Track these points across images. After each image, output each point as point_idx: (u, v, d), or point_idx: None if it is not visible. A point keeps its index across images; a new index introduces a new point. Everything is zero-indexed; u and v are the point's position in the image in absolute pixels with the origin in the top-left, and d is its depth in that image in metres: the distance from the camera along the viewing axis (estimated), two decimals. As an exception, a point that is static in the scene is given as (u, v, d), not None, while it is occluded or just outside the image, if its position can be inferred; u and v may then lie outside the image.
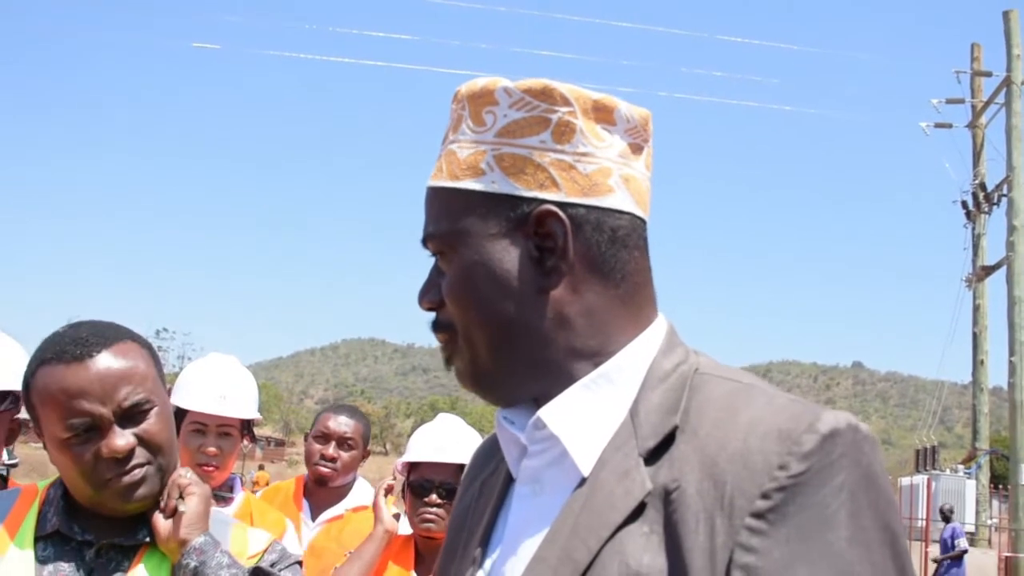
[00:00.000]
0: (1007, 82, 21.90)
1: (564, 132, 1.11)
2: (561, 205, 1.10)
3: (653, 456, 1.03)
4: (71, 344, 1.70)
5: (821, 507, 0.92)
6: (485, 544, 1.17)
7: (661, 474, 1.02)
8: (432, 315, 1.19)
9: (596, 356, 1.11)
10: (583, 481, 1.06)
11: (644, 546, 0.98)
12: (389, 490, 3.27)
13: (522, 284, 1.10)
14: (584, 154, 1.12)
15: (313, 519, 3.71)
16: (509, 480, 1.20)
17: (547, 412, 1.09)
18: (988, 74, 24.23)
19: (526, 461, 1.15)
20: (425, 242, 1.17)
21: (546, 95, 1.11)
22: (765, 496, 0.93)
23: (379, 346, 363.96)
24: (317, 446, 3.73)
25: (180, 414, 3.24)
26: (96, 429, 1.67)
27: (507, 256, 1.11)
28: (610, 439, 1.07)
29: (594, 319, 1.12)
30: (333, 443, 3.71)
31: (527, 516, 1.12)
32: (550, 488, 1.11)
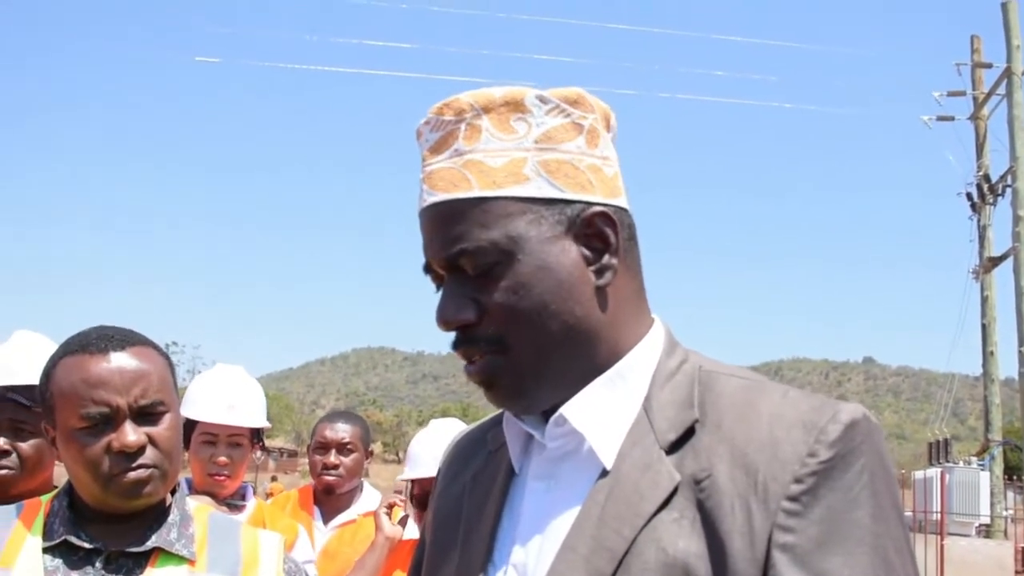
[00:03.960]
0: (1008, 73, 21.86)
1: (592, 138, 1.17)
2: (603, 206, 1.15)
3: (673, 448, 1.09)
4: (96, 339, 1.76)
5: (847, 489, 1.01)
6: (492, 538, 1.19)
7: (687, 464, 1.08)
8: (454, 334, 1.17)
9: (615, 354, 1.16)
10: (603, 474, 1.11)
11: (677, 532, 1.04)
12: (391, 507, 3.35)
13: (584, 284, 1.13)
14: (605, 158, 1.18)
15: (325, 524, 3.75)
16: (509, 475, 1.23)
17: (569, 409, 1.14)
18: (988, 65, 24.18)
19: (540, 457, 1.19)
20: (457, 257, 1.13)
21: (580, 103, 1.17)
22: (798, 481, 1.01)
23: (389, 355, 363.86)
24: (318, 457, 3.76)
25: (190, 426, 3.28)
26: (110, 422, 1.70)
27: (566, 258, 1.13)
28: (627, 434, 1.12)
29: (625, 315, 1.18)
30: (333, 451, 3.73)
31: (543, 509, 1.15)
32: (566, 483, 1.15)
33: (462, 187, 1.13)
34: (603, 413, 1.14)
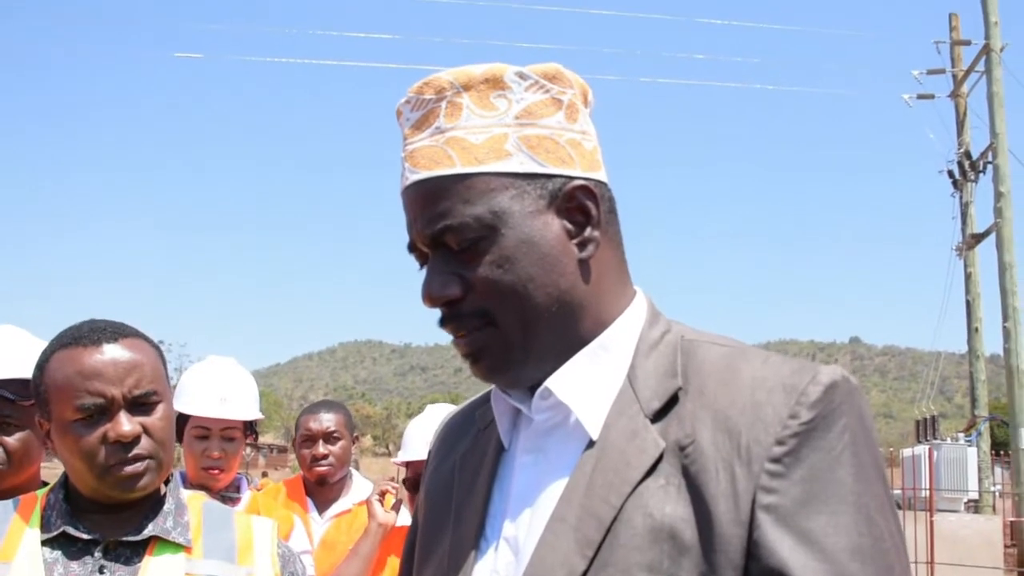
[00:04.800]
0: (986, 49, 21.89)
1: (571, 113, 1.18)
2: (584, 179, 1.17)
3: (658, 416, 1.11)
4: (89, 331, 1.78)
5: (828, 449, 1.03)
6: (483, 514, 1.20)
7: (671, 431, 1.10)
8: (440, 312, 1.19)
9: (599, 326, 1.18)
10: (590, 445, 1.12)
11: (663, 498, 1.06)
12: (383, 495, 3.37)
13: (567, 257, 1.16)
14: (584, 132, 1.20)
15: (320, 515, 3.75)
16: (499, 451, 1.25)
17: (554, 382, 1.16)
18: (967, 43, 24.22)
19: (528, 431, 1.21)
20: (441, 234, 1.15)
21: (558, 78, 1.19)
22: (780, 442, 1.03)
23: (376, 347, 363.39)
24: (306, 450, 3.75)
25: (182, 419, 3.28)
26: (105, 413, 1.72)
27: (549, 232, 1.15)
28: (612, 404, 1.14)
29: (608, 287, 1.20)
30: (320, 441, 3.71)
31: (532, 482, 1.17)
32: (554, 455, 1.17)
33: (444, 164, 1.15)
34: (588, 385, 1.16)
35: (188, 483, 3.28)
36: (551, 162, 1.15)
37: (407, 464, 3.53)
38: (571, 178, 1.16)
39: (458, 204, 1.13)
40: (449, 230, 1.14)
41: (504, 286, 1.13)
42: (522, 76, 1.17)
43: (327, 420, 3.75)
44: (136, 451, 1.73)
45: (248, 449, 3.46)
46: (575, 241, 1.16)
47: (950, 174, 24.52)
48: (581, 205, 1.17)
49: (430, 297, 1.17)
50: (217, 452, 3.24)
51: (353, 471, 3.92)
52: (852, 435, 1.04)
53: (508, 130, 1.15)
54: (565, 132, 1.17)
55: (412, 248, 1.21)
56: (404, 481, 3.43)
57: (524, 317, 1.14)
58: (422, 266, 1.20)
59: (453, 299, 1.16)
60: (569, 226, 1.16)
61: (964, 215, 24.48)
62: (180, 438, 3.34)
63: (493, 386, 1.25)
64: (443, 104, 1.16)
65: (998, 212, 20.82)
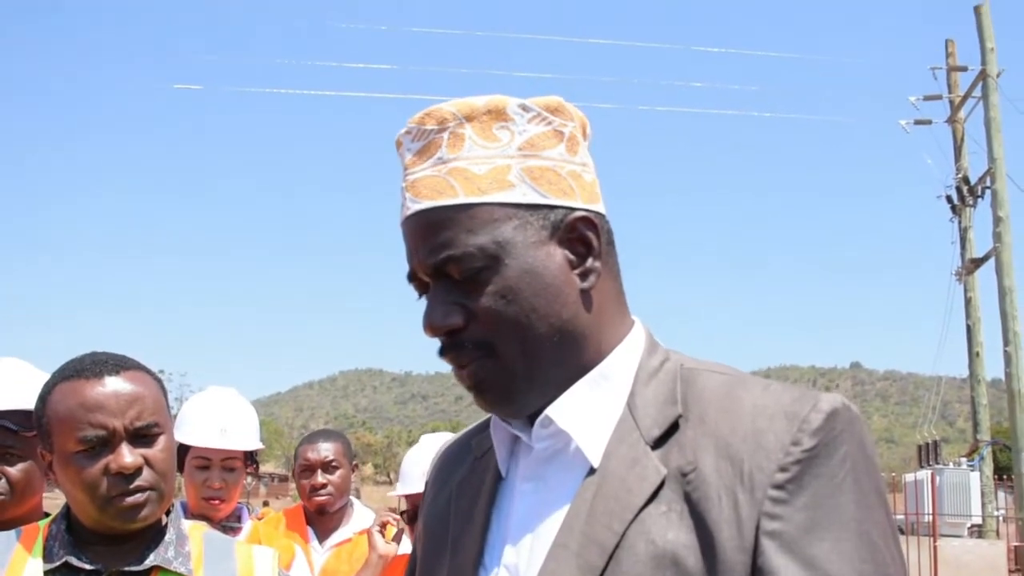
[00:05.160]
0: (983, 75, 22.02)
1: (572, 145, 1.20)
2: (585, 211, 1.18)
3: (658, 443, 1.12)
4: (91, 364, 1.80)
5: (831, 476, 1.04)
6: (482, 542, 1.20)
7: (672, 459, 1.10)
8: (439, 341, 1.19)
9: (599, 355, 1.19)
10: (591, 473, 1.13)
11: (666, 525, 1.07)
12: (383, 526, 3.38)
13: (569, 288, 1.16)
14: (584, 164, 1.22)
15: (321, 544, 3.74)
16: (497, 479, 1.25)
17: (555, 410, 1.16)
18: (964, 69, 24.35)
19: (527, 459, 1.21)
20: (444, 263, 1.15)
21: (560, 111, 1.20)
22: (783, 469, 1.04)
23: (377, 376, 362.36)
24: (305, 480, 3.75)
25: (183, 450, 3.29)
26: (107, 445, 1.74)
27: (552, 262, 1.15)
28: (612, 432, 1.15)
29: (607, 316, 1.21)
30: (319, 471, 3.71)
31: (532, 510, 1.17)
32: (554, 483, 1.17)
33: (447, 194, 1.15)
34: (588, 413, 1.16)
35: (189, 513, 3.27)
36: (553, 193, 1.16)
37: (406, 497, 3.53)
38: (573, 209, 1.17)
39: (461, 234, 1.14)
40: (452, 260, 1.14)
41: (507, 317, 1.14)
42: (524, 108, 1.18)
43: (325, 450, 3.75)
44: (138, 482, 1.74)
45: (249, 478, 3.47)
46: (577, 272, 1.17)
47: (948, 199, 24.59)
48: (583, 236, 1.18)
49: (432, 327, 1.17)
50: (218, 483, 3.25)
51: (354, 500, 3.91)
52: (854, 462, 1.05)
53: (511, 161, 1.16)
54: (566, 164, 1.18)
55: (412, 278, 1.21)
56: (403, 513, 3.44)
57: (526, 347, 1.14)
58: (421, 295, 1.21)
59: (455, 329, 1.16)
60: (571, 257, 1.17)
61: (963, 240, 24.52)
62: (181, 468, 3.34)
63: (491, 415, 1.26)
64: (445, 135, 1.17)
65: (997, 237, 20.85)
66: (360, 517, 3.83)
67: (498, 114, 1.17)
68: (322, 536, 3.75)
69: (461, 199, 1.15)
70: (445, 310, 1.16)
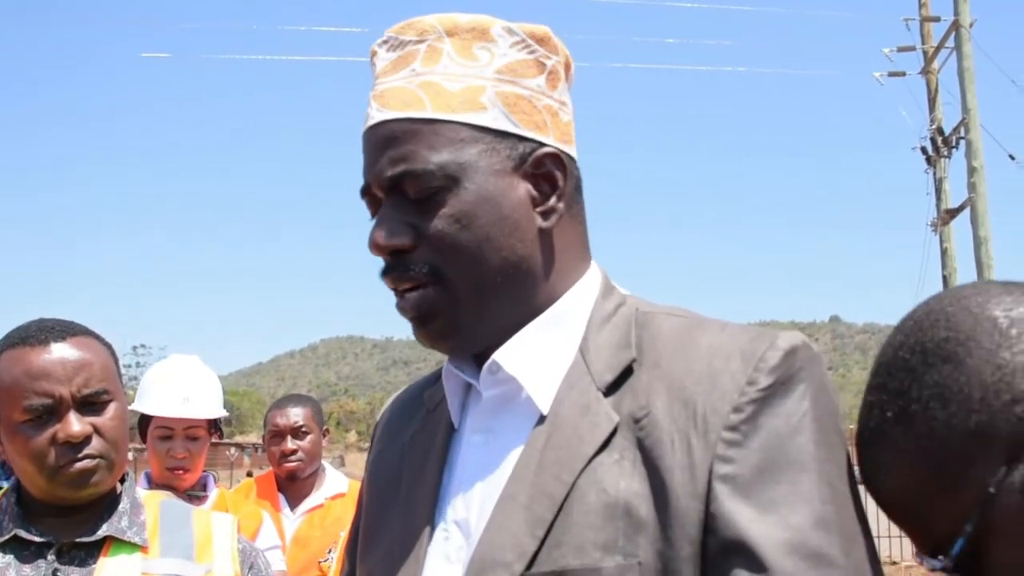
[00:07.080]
0: (956, 25, 22.01)
1: (553, 80, 1.15)
2: (556, 149, 1.13)
3: (611, 389, 1.07)
4: (36, 331, 1.75)
5: (788, 415, 0.99)
6: (434, 497, 1.16)
7: (624, 404, 1.06)
8: (383, 261, 1.13)
9: (552, 299, 1.14)
10: (541, 420, 1.08)
11: (618, 473, 1.02)
12: None
13: (528, 223, 1.12)
14: (563, 103, 1.17)
15: (292, 511, 3.72)
16: (449, 432, 1.20)
17: (502, 355, 1.12)
18: (936, 19, 24.33)
19: (477, 409, 1.17)
20: (400, 178, 1.09)
21: (545, 42, 1.15)
22: (737, 410, 0.99)
23: (358, 343, 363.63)
24: (274, 446, 3.73)
25: (145, 420, 3.26)
26: (54, 413, 1.69)
27: (513, 194, 1.11)
28: (563, 377, 1.10)
29: (565, 261, 1.16)
30: (288, 436, 3.69)
31: (483, 462, 1.13)
32: (504, 433, 1.12)
33: (415, 107, 1.10)
34: (538, 358, 1.12)
35: (153, 483, 3.25)
36: (525, 124, 1.11)
37: None
38: (543, 144, 1.12)
39: (423, 149, 1.08)
40: (409, 175, 1.09)
41: (459, 242, 1.08)
42: (509, 31, 1.13)
43: (295, 415, 3.73)
44: (87, 451, 1.70)
45: (233, 449, 3.43)
46: (539, 209, 1.12)
47: (923, 151, 24.65)
48: (549, 173, 1.13)
49: (377, 244, 1.11)
50: (181, 452, 3.21)
51: (326, 464, 3.88)
52: (813, 400, 1.00)
53: (487, 83, 1.11)
54: (544, 97, 1.14)
55: (365, 192, 1.15)
56: None
57: (476, 277, 1.09)
58: (374, 215, 1.15)
59: (402, 249, 1.10)
60: (534, 193, 1.12)
61: (938, 191, 24.61)
62: (144, 439, 3.31)
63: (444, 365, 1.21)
64: (423, 47, 1.12)
65: (972, 187, 20.96)
66: (332, 482, 3.80)
67: (481, 33, 1.13)
68: (294, 502, 3.73)
69: (428, 113, 1.09)
70: (394, 227, 1.10)
